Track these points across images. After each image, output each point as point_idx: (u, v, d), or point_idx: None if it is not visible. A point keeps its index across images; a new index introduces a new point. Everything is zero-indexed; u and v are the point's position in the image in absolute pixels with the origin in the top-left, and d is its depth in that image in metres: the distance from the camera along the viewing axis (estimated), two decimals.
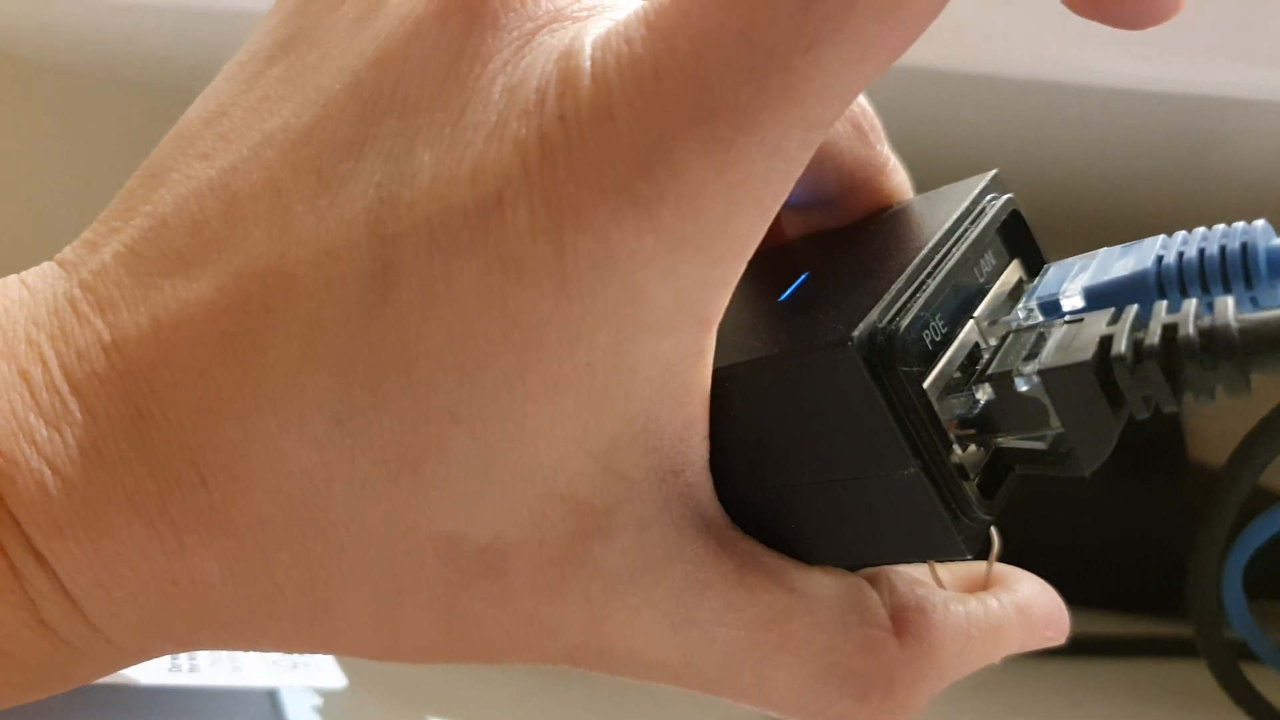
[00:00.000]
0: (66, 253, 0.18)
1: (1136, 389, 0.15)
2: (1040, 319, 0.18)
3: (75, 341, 0.17)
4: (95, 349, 0.17)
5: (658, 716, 0.33)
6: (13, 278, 0.18)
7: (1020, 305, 0.18)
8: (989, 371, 0.17)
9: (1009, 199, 0.19)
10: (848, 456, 0.17)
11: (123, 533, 0.16)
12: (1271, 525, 0.34)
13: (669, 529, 0.17)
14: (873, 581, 0.19)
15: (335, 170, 0.16)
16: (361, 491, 0.16)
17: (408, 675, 0.31)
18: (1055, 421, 0.16)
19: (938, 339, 0.17)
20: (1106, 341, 0.15)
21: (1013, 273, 0.20)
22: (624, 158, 0.15)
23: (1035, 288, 0.18)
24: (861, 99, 0.21)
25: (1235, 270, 0.16)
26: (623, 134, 0.15)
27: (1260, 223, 0.16)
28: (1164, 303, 0.16)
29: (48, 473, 0.16)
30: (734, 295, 0.21)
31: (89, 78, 0.51)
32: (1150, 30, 0.16)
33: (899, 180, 0.21)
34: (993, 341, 0.18)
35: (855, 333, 0.16)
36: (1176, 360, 0.15)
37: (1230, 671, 0.35)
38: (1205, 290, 0.16)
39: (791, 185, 0.16)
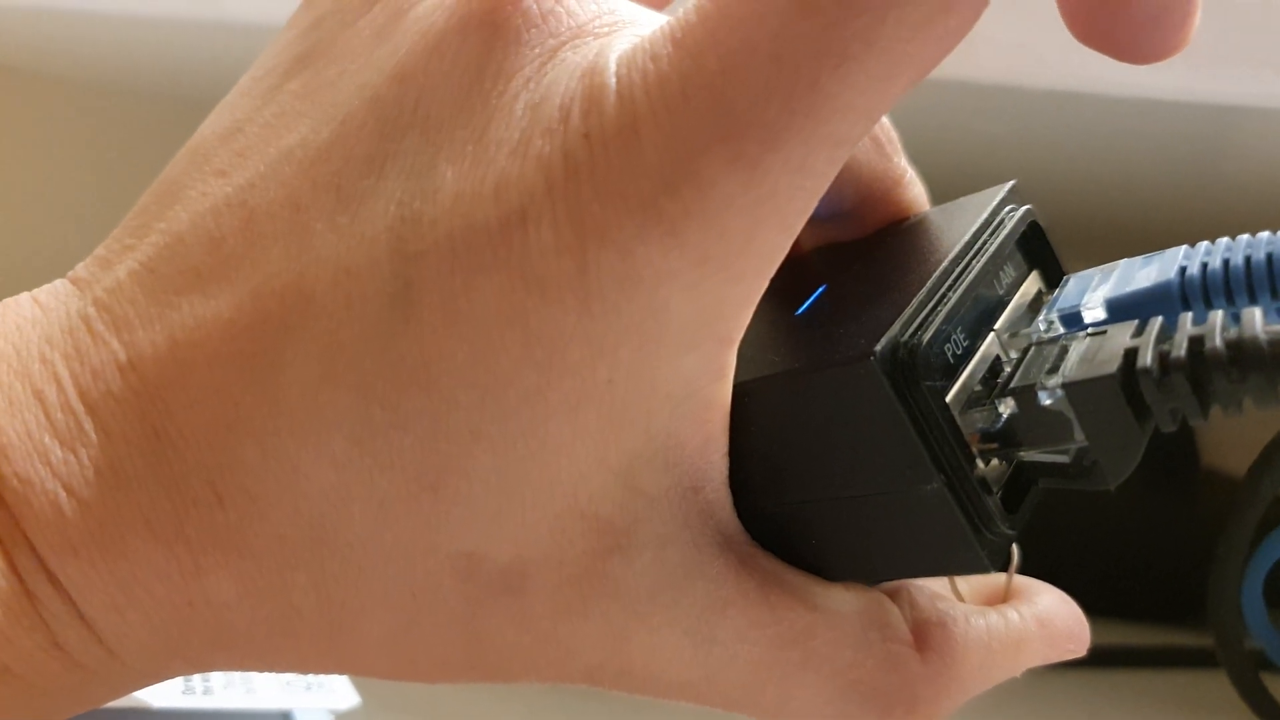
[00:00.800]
0: (79, 270, 0.18)
1: (1163, 402, 0.15)
2: (1061, 331, 0.18)
3: (90, 361, 0.17)
4: (111, 368, 0.16)
5: None
6: (25, 295, 0.18)
7: (1041, 317, 0.18)
8: (1012, 385, 0.16)
9: (1028, 210, 0.19)
10: (870, 472, 0.17)
11: (138, 554, 0.16)
12: None
13: (689, 547, 0.17)
14: (893, 596, 0.19)
15: (355, 187, 0.16)
16: (380, 511, 0.16)
17: (422, 694, 0.31)
18: (1079, 435, 0.16)
19: (959, 352, 0.17)
20: (1132, 354, 0.15)
21: (1032, 284, 0.19)
22: (649, 175, 0.15)
23: (1056, 299, 0.18)
24: None
25: (1261, 281, 0.16)
26: (648, 151, 0.15)
27: None
28: (1189, 314, 0.16)
29: (63, 494, 0.16)
30: None
31: (100, 91, 0.52)
32: None
33: (916, 192, 0.21)
34: (1013, 354, 0.18)
35: (877, 347, 0.16)
36: (1204, 373, 0.15)
37: (1250, 681, 0.35)
38: (1230, 301, 0.16)
39: (816, 202, 0.16)
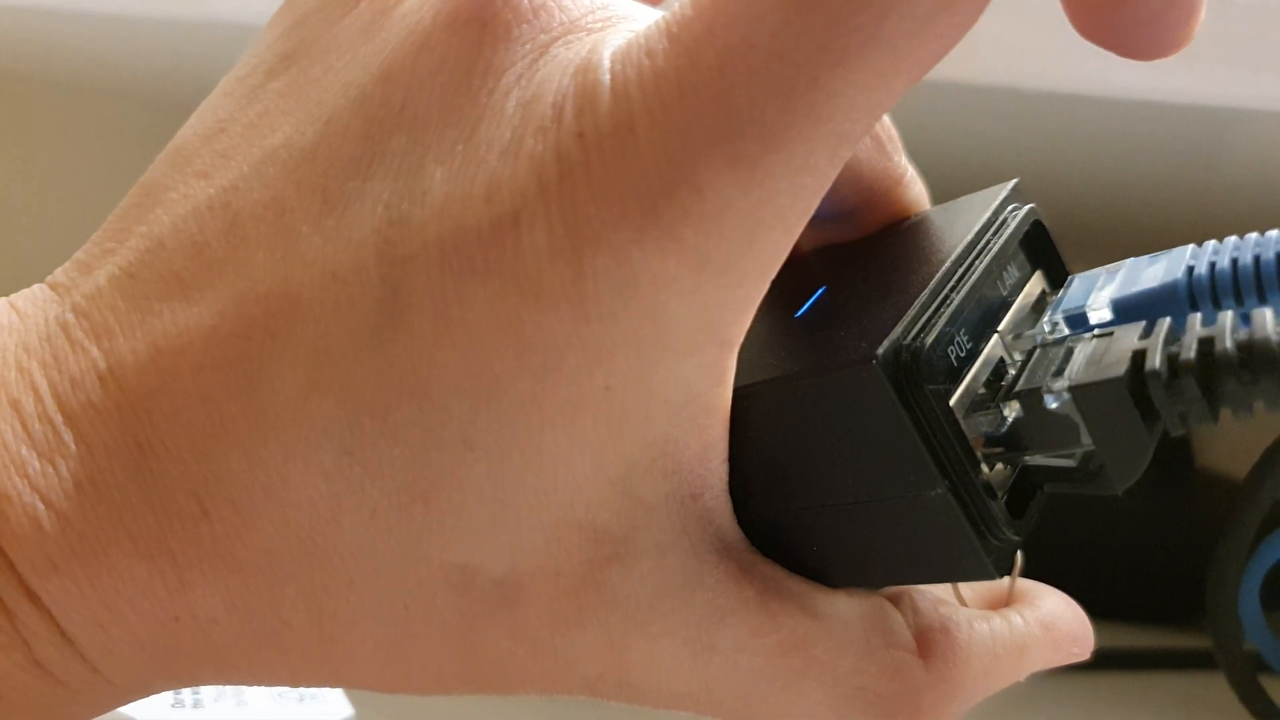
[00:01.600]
0: (58, 275, 0.18)
1: (1171, 405, 0.15)
2: (1067, 332, 0.17)
3: (69, 369, 0.16)
4: (90, 377, 0.16)
5: None
6: (0, 301, 0.17)
7: (1045, 319, 0.18)
8: (1017, 388, 0.16)
9: (1031, 209, 0.19)
10: (873, 477, 0.16)
11: (121, 569, 0.16)
12: None
13: (688, 555, 0.17)
14: (895, 602, 0.19)
15: (342, 189, 0.16)
16: (371, 523, 0.16)
17: (417, 706, 0.30)
18: (1086, 439, 0.16)
19: (962, 355, 0.17)
20: (1140, 356, 0.15)
21: (1035, 284, 0.19)
22: (646, 176, 0.14)
23: (1060, 300, 0.18)
24: None
25: (1271, 280, 0.15)
26: (645, 151, 0.14)
27: None
28: (1198, 316, 0.15)
29: (41, 508, 0.15)
30: None
31: (81, 91, 0.51)
32: None
33: (917, 192, 0.21)
34: (1018, 356, 0.18)
35: (880, 350, 0.15)
36: (1214, 375, 0.14)
37: (1248, 684, 0.35)
38: (1240, 302, 0.16)
39: (818, 202, 0.15)
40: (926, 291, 0.17)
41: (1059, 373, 0.16)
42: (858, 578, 0.18)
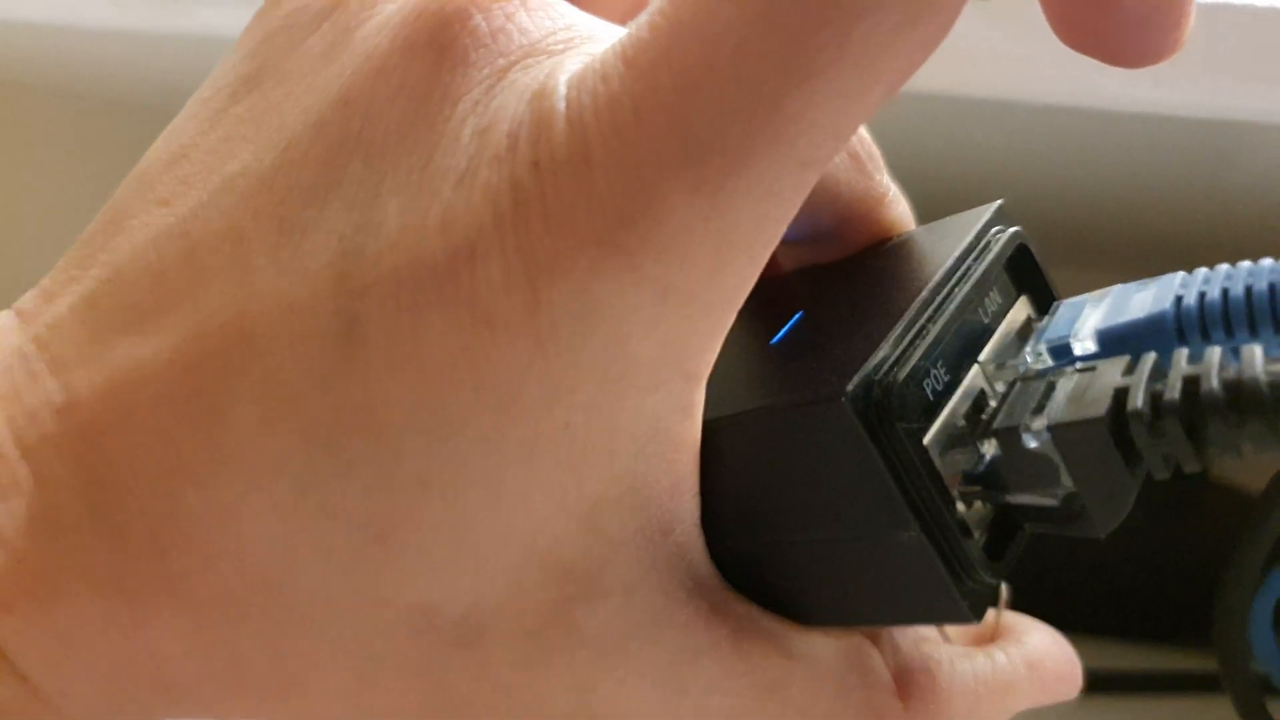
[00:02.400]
0: (25, 300, 0.17)
1: (1155, 448, 0.14)
2: (1050, 364, 0.17)
3: (26, 402, 0.16)
4: (47, 411, 0.16)
5: None
6: None
7: (1029, 348, 0.17)
8: (995, 426, 0.15)
9: (1016, 232, 0.18)
10: (843, 516, 0.16)
11: (77, 608, 0.15)
12: None
13: (657, 593, 0.16)
14: (874, 640, 0.18)
15: (298, 218, 0.15)
16: (328, 563, 0.15)
17: None
18: (1066, 480, 0.15)
19: (939, 388, 0.16)
20: (1122, 394, 0.14)
21: (1020, 310, 0.18)
22: (603, 206, 0.14)
23: (1044, 329, 0.17)
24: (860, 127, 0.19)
25: (1263, 313, 0.15)
26: (600, 181, 0.14)
27: None
28: (1185, 350, 0.15)
29: None
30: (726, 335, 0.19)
31: (81, 100, 0.51)
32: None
33: (899, 211, 0.20)
34: (999, 387, 0.17)
35: (849, 386, 0.15)
36: (1199, 416, 0.14)
37: (1255, 707, 0.34)
38: (1230, 334, 0.15)
39: (785, 228, 0.15)
40: (902, 322, 0.16)
41: (1039, 410, 0.15)
42: (833, 616, 0.17)
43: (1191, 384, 0.14)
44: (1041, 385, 0.16)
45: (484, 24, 0.15)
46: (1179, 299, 0.16)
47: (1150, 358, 0.15)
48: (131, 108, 0.47)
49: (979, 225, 0.18)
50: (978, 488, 0.16)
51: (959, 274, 0.17)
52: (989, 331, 0.17)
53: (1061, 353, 0.16)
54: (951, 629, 0.19)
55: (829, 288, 0.19)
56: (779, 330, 0.18)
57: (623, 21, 0.18)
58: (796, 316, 0.18)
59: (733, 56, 0.13)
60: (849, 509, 0.15)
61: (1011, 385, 0.16)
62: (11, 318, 0.17)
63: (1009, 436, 0.15)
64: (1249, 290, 0.15)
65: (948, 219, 0.19)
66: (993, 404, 0.16)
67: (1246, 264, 0.15)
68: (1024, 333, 0.18)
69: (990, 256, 0.17)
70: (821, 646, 0.17)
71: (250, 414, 0.15)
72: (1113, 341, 0.16)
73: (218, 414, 0.15)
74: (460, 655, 0.16)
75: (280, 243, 0.15)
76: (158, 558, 0.15)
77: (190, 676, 0.16)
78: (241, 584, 0.15)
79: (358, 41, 0.16)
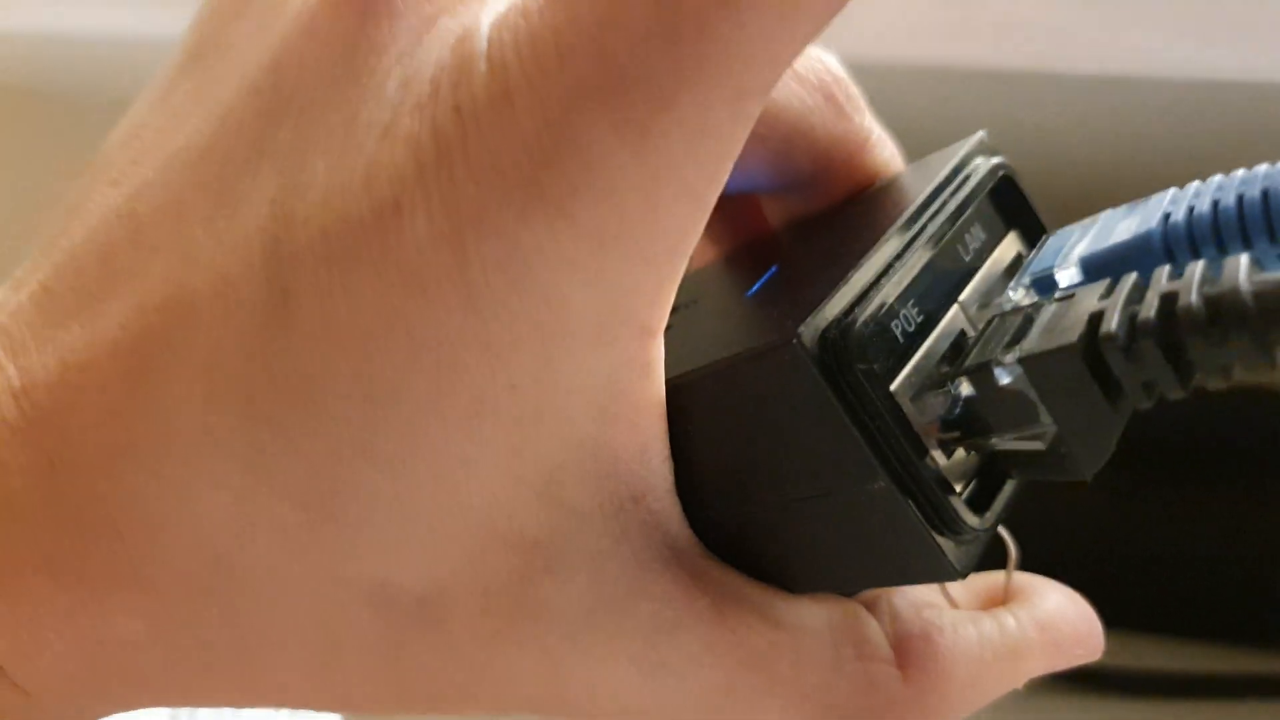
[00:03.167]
0: None
1: (1134, 374, 0.13)
2: (1036, 298, 0.15)
3: None
4: (5, 396, 0.15)
5: None
6: None
7: (1012, 283, 0.16)
8: (966, 364, 0.14)
9: (998, 163, 0.17)
10: (813, 470, 0.15)
11: (40, 596, 0.15)
12: None
13: (630, 564, 0.16)
14: (871, 606, 0.17)
15: (234, 188, 0.15)
16: (283, 541, 0.15)
17: None
18: (1046, 417, 0.14)
19: (911, 329, 0.15)
20: (1096, 319, 0.13)
21: (1010, 246, 0.17)
22: (527, 149, 0.13)
23: (1030, 262, 0.16)
24: (834, 64, 0.18)
25: (1256, 222, 0.13)
26: (524, 121, 0.13)
27: None
28: (1166, 268, 0.13)
29: None
30: (706, 294, 0.18)
31: (81, 107, 0.52)
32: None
33: (885, 155, 0.19)
34: (983, 328, 0.16)
35: (801, 329, 0.14)
36: (1177, 335, 0.12)
37: None
38: (1222, 250, 0.14)
39: (729, 165, 0.14)
40: (866, 262, 0.15)
41: (1014, 343, 0.14)
42: (821, 581, 0.16)
43: (1169, 301, 0.12)
44: (1019, 319, 0.15)
45: None
46: (1166, 216, 0.14)
47: (1130, 279, 0.13)
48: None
49: (956, 159, 0.17)
50: (957, 433, 0.15)
51: (932, 209, 0.16)
52: (971, 271, 0.16)
53: (1046, 285, 0.15)
54: (958, 592, 0.18)
55: (808, 238, 0.18)
56: (753, 285, 0.17)
57: None
58: (772, 270, 0.17)
59: None
60: (816, 462, 0.14)
61: (989, 323, 0.15)
62: None
63: (982, 373, 0.14)
64: (1240, 199, 0.14)
65: (933, 155, 0.18)
66: (971, 344, 0.15)
67: (1240, 172, 0.14)
68: (1013, 270, 0.17)
69: (967, 189, 0.16)
70: (811, 615, 0.16)
71: (195, 391, 0.15)
72: (1098, 268, 0.15)
73: (163, 392, 0.15)
74: (425, 634, 0.15)
75: (217, 214, 0.15)
76: (116, 542, 0.15)
77: (157, 661, 0.16)
78: (198, 565, 0.15)
79: (290, 4, 0.16)
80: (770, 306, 0.16)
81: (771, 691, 0.16)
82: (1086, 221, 0.16)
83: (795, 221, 0.20)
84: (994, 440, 0.15)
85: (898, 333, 0.15)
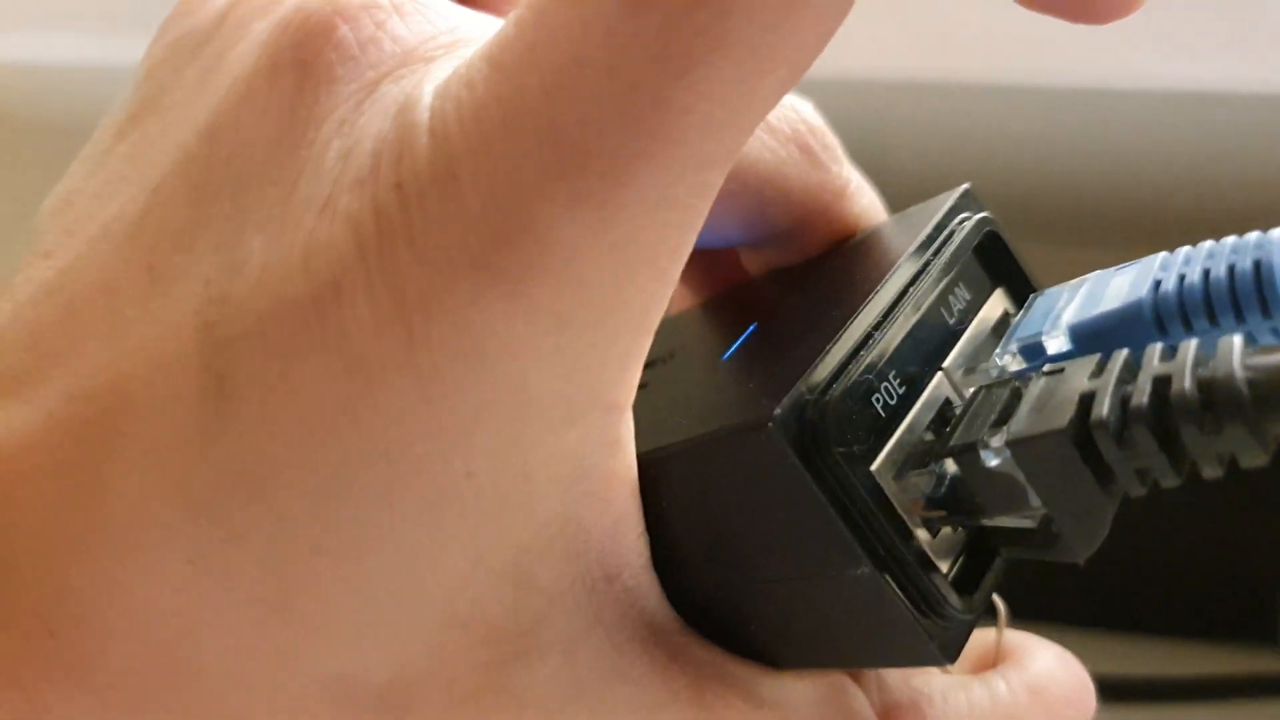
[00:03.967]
0: None
1: (1126, 461, 0.12)
2: (1023, 365, 0.15)
3: None
4: None
5: None
6: None
7: (999, 349, 0.15)
8: (951, 443, 0.14)
9: (983, 218, 0.16)
10: (791, 553, 0.14)
11: None
12: None
13: (604, 646, 0.15)
14: (858, 676, 0.16)
15: (168, 265, 0.14)
16: (233, 637, 0.14)
17: None
18: (1035, 500, 0.13)
19: (893, 402, 0.14)
20: (1087, 401, 0.12)
21: (996, 305, 0.16)
22: (476, 227, 0.12)
23: (1017, 326, 0.15)
24: (808, 111, 0.18)
25: (1248, 296, 0.13)
26: (470, 198, 0.12)
27: (1277, 232, 0.13)
28: (1159, 346, 0.13)
29: None
30: (681, 349, 0.18)
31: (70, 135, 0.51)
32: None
33: (864, 203, 0.18)
34: (970, 394, 0.15)
35: (777, 410, 0.13)
36: (1171, 423, 0.12)
37: None
38: (1214, 322, 0.13)
39: (694, 235, 0.13)
40: (844, 331, 0.14)
41: (1001, 421, 0.13)
42: (804, 659, 0.16)
43: (1162, 385, 0.12)
44: (1005, 392, 0.14)
45: (351, 35, 0.14)
46: (1157, 284, 0.14)
47: (1121, 355, 0.13)
48: None
49: (940, 214, 0.16)
50: (943, 512, 0.14)
51: (914, 271, 0.15)
52: (956, 334, 0.16)
53: (1034, 352, 0.15)
54: None
55: (787, 295, 0.18)
56: (732, 344, 0.17)
57: None
58: (750, 329, 0.17)
59: (603, 47, 0.12)
60: (796, 545, 0.14)
61: (975, 394, 0.15)
62: None
63: (967, 455, 0.13)
64: (1232, 270, 0.13)
65: (916, 207, 0.18)
66: (957, 418, 0.15)
67: (1231, 239, 0.13)
68: (1000, 330, 0.16)
69: (952, 248, 0.16)
70: (794, 691, 0.16)
71: (131, 483, 0.14)
72: (1087, 337, 0.14)
73: (99, 484, 0.14)
74: None
75: (150, 293, 0.14)
76: (49, 642, 0.14)
77: None
78: (144, 664, 0.14)
79: (227, 65, 0.15)
80: (746, 377, 0.15)
81: None
82: (1075, 282, 0.15)
83: (774, 274, 0.19)
84: (981, 518, 0.14)
85: (879, 407, 0.14)
